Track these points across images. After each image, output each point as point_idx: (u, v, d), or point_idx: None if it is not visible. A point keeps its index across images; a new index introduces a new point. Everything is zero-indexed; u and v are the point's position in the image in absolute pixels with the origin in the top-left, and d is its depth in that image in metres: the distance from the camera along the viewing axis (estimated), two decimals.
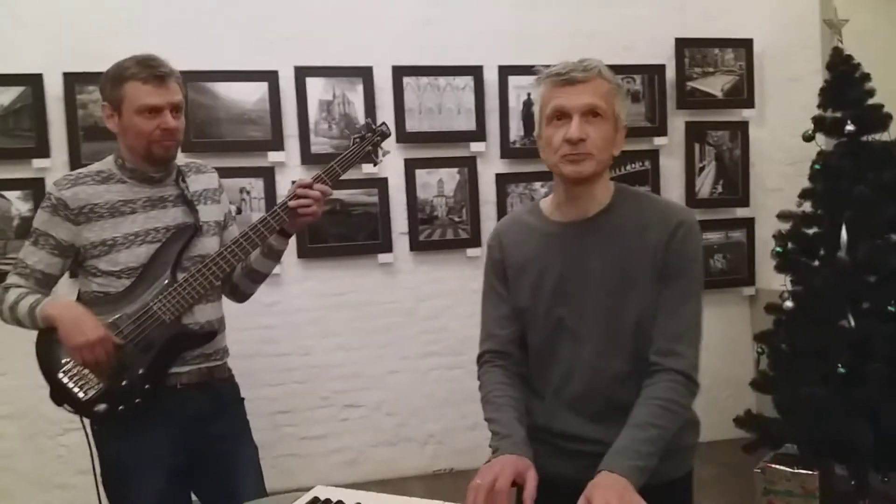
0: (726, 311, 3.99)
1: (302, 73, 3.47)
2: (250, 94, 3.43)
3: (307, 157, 3.49)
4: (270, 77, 3.43)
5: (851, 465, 2.81)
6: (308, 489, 1.74)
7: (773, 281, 3.78)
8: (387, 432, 3.70)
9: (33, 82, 3.19)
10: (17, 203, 3.19)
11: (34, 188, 3.18)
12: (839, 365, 2.63)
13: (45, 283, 1.86)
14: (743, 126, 3.98)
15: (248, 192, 3.43)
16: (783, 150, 3.82)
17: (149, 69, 1.80)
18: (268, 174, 3.46)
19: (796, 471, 2.81)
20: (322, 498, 1.38)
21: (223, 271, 1.87)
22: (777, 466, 2.86)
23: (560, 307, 1.54)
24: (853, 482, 2.82)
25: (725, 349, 3.90)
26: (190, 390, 1.90)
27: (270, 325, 3.50)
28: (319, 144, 3.50)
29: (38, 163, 3.22)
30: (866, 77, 2.87)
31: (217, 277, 1.87)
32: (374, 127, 2.01)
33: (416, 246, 3.63)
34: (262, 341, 3.47)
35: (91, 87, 3.20)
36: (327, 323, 3.59)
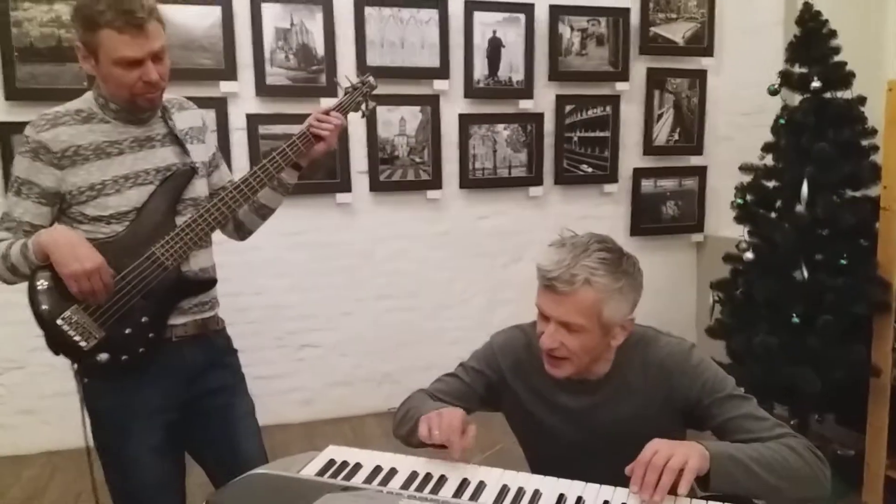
0: (674, 257, 4.05)
1: None
2: (202, 19, 3.20)
3: (262, 89, 3.31)
4: (224, 1, 3.21)
5: (795, 408, 2.95)
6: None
7: (721, 228, 3.88)
8: (342, 372, 3.68)
9: None
10: None
11: None
12: (793, 315, 2.73)
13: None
14: (701, 74, 4.00)
15: None
16: (738, 100, 3.86)
17: (125, 16, 1.58)
18: (220, 105, 3.27)
19: None
20: (338, 460, 1.34)
21: (225, 216, 1.76)
22: None
23: (576, 459, 1.47)
24: (792, 422, 2.98)
25: (671, 293, 3.98)
26: (185, 342, 1.80)
27: (223, 263, 3.33)
28: (275, 76, 3.32)
29: None
30: (833, 34, 2.89)
31: (219, 223, 1.76)
32: (364, 80, 1.95)
33: (376, 186, 3.54)
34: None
35: (27, 5, 2.92)
36: (282, 263, 3.49)
